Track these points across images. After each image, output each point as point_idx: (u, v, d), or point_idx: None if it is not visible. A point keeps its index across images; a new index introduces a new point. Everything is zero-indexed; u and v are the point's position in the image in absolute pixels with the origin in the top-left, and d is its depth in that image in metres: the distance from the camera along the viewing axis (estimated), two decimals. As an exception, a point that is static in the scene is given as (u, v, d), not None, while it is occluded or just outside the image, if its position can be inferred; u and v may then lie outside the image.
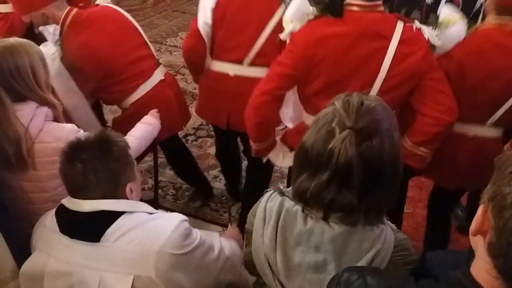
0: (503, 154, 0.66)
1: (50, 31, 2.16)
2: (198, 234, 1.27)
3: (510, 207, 0.59)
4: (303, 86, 1.78)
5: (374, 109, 0.99)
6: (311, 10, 1.70)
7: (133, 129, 1.97)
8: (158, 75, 2.33)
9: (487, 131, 1.88)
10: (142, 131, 1.98)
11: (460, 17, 1.80)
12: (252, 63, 2.13)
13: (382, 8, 1.67)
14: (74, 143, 1.25)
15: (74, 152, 1.22)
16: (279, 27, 1.97)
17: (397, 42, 1.61)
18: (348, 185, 0.97)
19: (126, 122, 2.13)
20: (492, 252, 0.63)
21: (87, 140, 1.25)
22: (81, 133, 1.50)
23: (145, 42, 2.34)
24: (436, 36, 1.66)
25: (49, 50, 2.03)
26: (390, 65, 1.62)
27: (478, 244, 0.67)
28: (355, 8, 1.63)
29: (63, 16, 2.12)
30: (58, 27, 2.14)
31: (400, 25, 1.63)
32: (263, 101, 1.78)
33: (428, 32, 1.65)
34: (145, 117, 2.08)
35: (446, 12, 1.82)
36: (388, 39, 1.61)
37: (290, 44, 1.74)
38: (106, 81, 2.20)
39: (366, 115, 0.97)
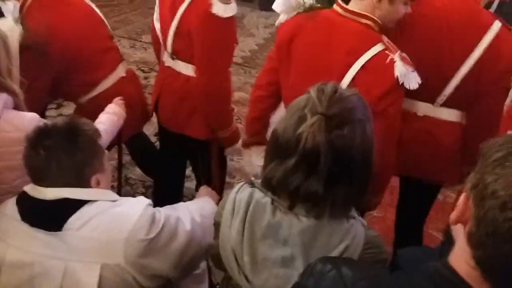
0: (488, 141, 0.64)
1: (10, 7, 1.93)
2: (161, 213, 1.23)
3: (491, 196, 0.58)
4: (282, 81, 1.74)
5: (348, 98, 0.98)
6: (301, 2, 1.66)
7: (95, 122, 1.77)
8: (121, 71, 2.20)
9: (439, 112, 1.72)
10: (107, 124, 1.80)
11: None
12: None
13: (368, 22, 1.52)
14: (40, 129, 1.20)
15: (38, 138, 1.17)
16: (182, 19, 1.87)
17: (360, 65, 1.47)
18: (315, 172, 0.95)
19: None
20: (471, 242, 0.62)
21: (53, 127, 1.20)
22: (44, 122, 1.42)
23: (111, 35, 2.23)
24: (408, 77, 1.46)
25: (11, 27, 1.80)
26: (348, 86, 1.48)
27: (459, 233, 0.65)
28: (339, 10, 1.55)
29: None
30: (18, 3, 1.94)
31: (376, 48, 1.47)
32: (258, 96, 1.82)
33: (399, 69, 1.43)
34: (109, 105, 1.90)
35: None
36: (357, 58, 1.47)
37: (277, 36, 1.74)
38: (69, 70, 2.00)
39: (339, 102, 0.95)
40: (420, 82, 1.47)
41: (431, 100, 1.71)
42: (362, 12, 1.51)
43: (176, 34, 1.89)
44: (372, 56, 1.46)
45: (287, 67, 1.66)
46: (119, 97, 1.96)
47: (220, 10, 1.72)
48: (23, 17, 1.90)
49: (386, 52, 1.46)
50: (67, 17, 1.98)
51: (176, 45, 1.93)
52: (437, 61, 1.63)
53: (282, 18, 1.72)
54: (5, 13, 1.91)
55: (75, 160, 1.17)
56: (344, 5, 1.54)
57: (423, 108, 1.73)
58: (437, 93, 1.68)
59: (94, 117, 1.85)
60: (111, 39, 2.22)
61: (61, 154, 1.15)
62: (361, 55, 1.46)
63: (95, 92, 2.11)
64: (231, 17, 1.78)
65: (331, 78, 1.24)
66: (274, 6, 1.74)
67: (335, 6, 1.57)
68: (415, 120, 1.73)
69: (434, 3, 1.66)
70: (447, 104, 1.71)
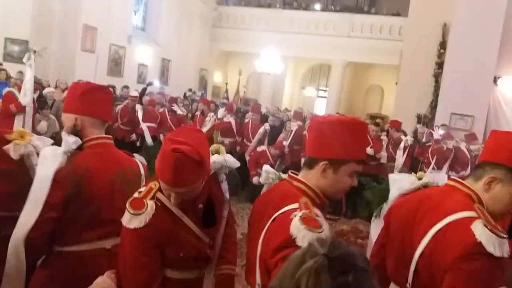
0: None
1: (70, 140, 1.98)
2: None
3: None
4: None
5: (349, 246, 0.91)
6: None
7: None
8: (108, 243, 2.00)
9: None
10: None
11: None
12: None
13: (300, 185, 1.55)
14: None
15: None
16: None
17: (271, 219, 1.46)
18: None
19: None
20: None
21: None
22: None
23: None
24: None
25: (53, 150, 1.93)
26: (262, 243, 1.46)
27: None
28: (288, 178, 1.66)
29: (91, 136, 2.01)
30: (79, 141, 1.99)
31: (290, 206, 1.46)
32: None
33: (295, 226, 1.36)
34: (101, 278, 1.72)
35: None
36: (275, 211, 1.48)
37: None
38: (73, 213, 1.90)
39: (341, 247, 0.88)
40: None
41: (403, 284, 1.62)
42: (299, 178, 1.57)
43: None
44: (284, 212, 1.46)
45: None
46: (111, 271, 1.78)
47: None
48: (74, 155, 1.96)
49: (294, 210, 1.44)
50: (99, 172, 1.95)
51: None
52: (402, 245, 1.63)
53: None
54: (63, 141, 1.97)
55: None
56: (295, 176, 1.60)
57: None
58: (404, 277, 1.61)
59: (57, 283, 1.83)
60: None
61: None
62: (277, 211, 1.51)
63: (70, 248, 1.94)
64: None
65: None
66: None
67: (288, 178, 1.64)
68: None
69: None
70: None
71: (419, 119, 11.02)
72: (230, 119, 8.08)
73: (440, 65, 10.92)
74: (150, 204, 1.64)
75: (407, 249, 1.58)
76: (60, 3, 10.82)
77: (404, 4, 13.56)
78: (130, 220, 1.62)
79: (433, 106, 10.91)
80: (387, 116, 16.00)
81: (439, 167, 6.84)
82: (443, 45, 11.03)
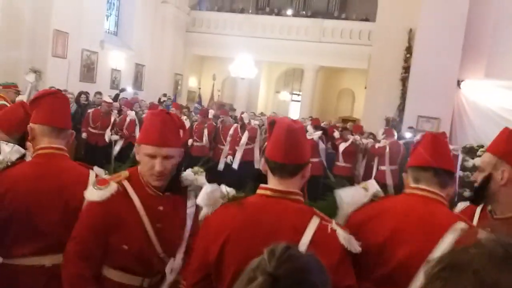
0: None
1: (6, 150, 1.96)
2: None
3: None
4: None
5: (300, 258, 0.89)
6: (224, 193, 1.65)
7: None
8: (42, 261, 1.91)
9: None
10: None
11: None
12: None
13: (298, 197, 1.56)
14: None
15: None
16: None
17: (308, 240, 1.44)
18: None
19: None
20: None
21: None
22: None
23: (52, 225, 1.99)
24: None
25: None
26: None
27: None
28: (268, 192, 1.56)
29: (39, 146, 1.96)
30: (16, 149, 1.98)
31: (315, 222, 1.49)
32: None
33: (343, 236, 1.47)
34: None
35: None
36: (300, 233, 1.46)
37: (202, 228, 1.67)
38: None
39: (289, 262, 0.86)
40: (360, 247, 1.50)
41: None
42: (291, 190, 1.55)
43: None
44: (316, 230, 1.47)
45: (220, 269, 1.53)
46: None
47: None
48: (16, 163, 1.95)
49: (324, 222, 1.49)
50: (30, 184, 1.88)
51: None
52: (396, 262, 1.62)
53: (205, 211, 1.67)
54: (4, 150, 1.96)
55: None
56: (274, 186, 1.56)
57: None
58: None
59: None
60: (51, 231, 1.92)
61: None
62: (304, 231, 1.46)
63: (3, 260, 1.87)
64: None
65: None
66: (198, 201, 1.70)
67: (262, 191, 1.58)
68: None
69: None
70: None
71: (388, 122, 11.34)
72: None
73: (406, 69, 11.29)
74: (113, 185, 1.78)
75: (404, 264, 1.54)
76: (29, 8, 10.67)
77: (373, 9, 13.93)
78: (91, 194, 1.77)
79: (401, 109, 11.26)
80: (358, 119, 16.37)
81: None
82: (409, 49, 11.42)
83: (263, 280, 0.83)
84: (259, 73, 16.68)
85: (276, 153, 1.56)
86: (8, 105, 5.55)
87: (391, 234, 1.61)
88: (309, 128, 8.01)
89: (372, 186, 1.81)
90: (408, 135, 8.88)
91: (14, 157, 1.96)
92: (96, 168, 2.11)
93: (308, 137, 7.51)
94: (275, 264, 0.85)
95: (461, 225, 1.55)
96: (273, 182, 1.57)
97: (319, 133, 7.55)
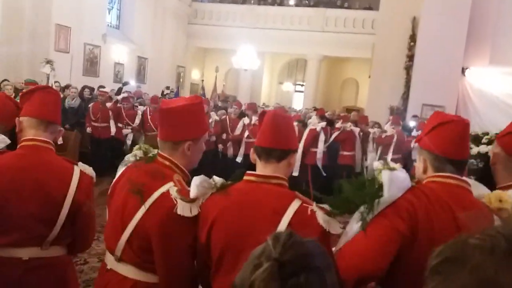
0: None
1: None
2: None
3: None
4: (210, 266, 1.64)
5: (304, 244, 0.92)
6: (212, 184, 1.66)
7: None
8: (19, 252, 1.89)
9: None
10: None
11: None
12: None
13: (280, 181, 1.61)
14: None
15: None
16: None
17: (287, 222, 1.49)
18: None
19: None
20: None
21: None
22: None
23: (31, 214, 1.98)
24: (329, 222, 1.50)
25: None
26: None
27: None
28: (252, 178, 1.63)
29: (25, 137, 1.96)
30: (1, 139, 2.04)
31: (295, 204, 1.53)
32: None
33: (323, 218, 1.50)
34: None
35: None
36: (280, 215, 1.51)
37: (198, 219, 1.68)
38: None
39: (293, 248, 0.89)
40: (342, 226, 1.52)
41: None
42: (275, 175, 1.61)
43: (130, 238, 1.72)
44: (295, 212, 1.51)
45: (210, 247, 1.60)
46: None
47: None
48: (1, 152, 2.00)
49: (304, 205, 1.53)
50: (7, 174, 1.88)
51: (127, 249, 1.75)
52: None
53: (198, 202, 1.66)
54: None
55: None
56: (259, 172, 1.62)
57: None
58: None
59: None
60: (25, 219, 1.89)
61: None
62: (284, 213, 1.50)
63: None
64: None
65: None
66: (190, 194, 1.67)
67: (247, 177, 1.64)
68: None
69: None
70: None
71: (392, 110, 11.30)
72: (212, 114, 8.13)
73: (410, 58, 11.21)
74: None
75: None
76: (29, 2, 10.66)
77: (376, -2, 13.83)
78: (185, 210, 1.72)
79: (405, 97, 11.20)
80: (362, 108, 16.30)
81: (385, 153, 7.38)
82: (413, 38, 11.32)
83: (269, 265, 0.86)
84: (262, 64, 16.63)
85: (263, 139, 1.64)
86: None
87: (457, 226, 1.49)
88: (314, 118, 8.01)
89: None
90: (412, 123, 8.84)
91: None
92: (80, 164, 2.06)
93: (312, 127, 7.55)
94: (280, 250, 0.88)
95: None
96: (259, 168, 1.64)
97: (323, 123, 7.54)
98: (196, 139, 1.80)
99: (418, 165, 1.71)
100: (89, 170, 2.05)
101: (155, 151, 1.87)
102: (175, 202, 1.62)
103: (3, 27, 10.37)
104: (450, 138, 1.62)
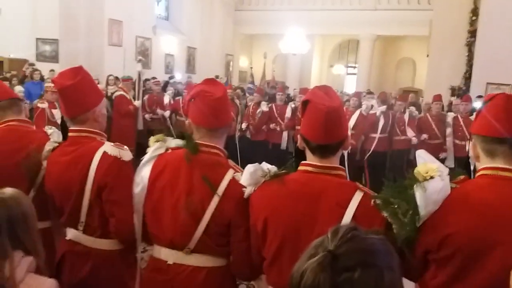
0: None
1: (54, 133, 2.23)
2: None
3: None
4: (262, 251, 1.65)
5: (366, 239, 0.86)
6: (266, 171, 1.65)
7: None
8: None
9: None
10: None
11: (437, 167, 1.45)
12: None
13: (340, 172, 1.56)
14: None
15: None
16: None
17: (351, 215, 1.43)
18: None
19: None
20: None
21: None
22: None
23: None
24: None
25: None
26: None
27: None
28: (309, 168, 1.56)
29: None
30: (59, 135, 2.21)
31: (358, 196, 1.47)
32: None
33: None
34: None
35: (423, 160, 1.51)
36: (343, 207, 1.45)
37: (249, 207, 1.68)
38: None
39: (352, 242, 0.85)
40: None
41: None
42: (334, 165, 1.55)
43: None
44: (359, 204, 1.45)
45: (264, 234, 1.59)
46: None
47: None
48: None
49: (367, 196, 1.48)
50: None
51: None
52: None
53: (250, 189, 1.67)
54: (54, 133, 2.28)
55: None
56: (315, 163, 1.55)
57: None
58: None
59: None
60: None
61: None
62: (347, 206, 1.45)
63: None
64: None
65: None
66: (242, 181, 1.69)
67: (303, 167, 1.58)
68: None
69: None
70: None
71: (453, 91, 10.62)
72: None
73: (472, 33, 10.42)
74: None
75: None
76: (84, 1, 10.99)
77: (433, -29, 12.96)
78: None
79: (467, 77, 10.48)
80: (420, 89, 15.52)
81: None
82: (475, 11, 10.50)
83: (322, 256, 0.83)
84: (311, 47, 16.21)
85: (317, 135, 1.53)
86: (127, 95, 7.20)
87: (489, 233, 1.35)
88: (374, 102, 7.68)
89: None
90: (477, 104, 8.20)
91: None
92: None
93: (371, 112, 7.22)
94: (336, 243, 0.85)
95: None
96: (314, 159, 1.57)
97: (383, 108, 7.21)
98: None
99: (471, 154, 1.57)
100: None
101: (172, 140, 1.91)
102: (243, 187, 1.68)
103: (61, 26, 10.80)
104: (494, 114, 1.43)
